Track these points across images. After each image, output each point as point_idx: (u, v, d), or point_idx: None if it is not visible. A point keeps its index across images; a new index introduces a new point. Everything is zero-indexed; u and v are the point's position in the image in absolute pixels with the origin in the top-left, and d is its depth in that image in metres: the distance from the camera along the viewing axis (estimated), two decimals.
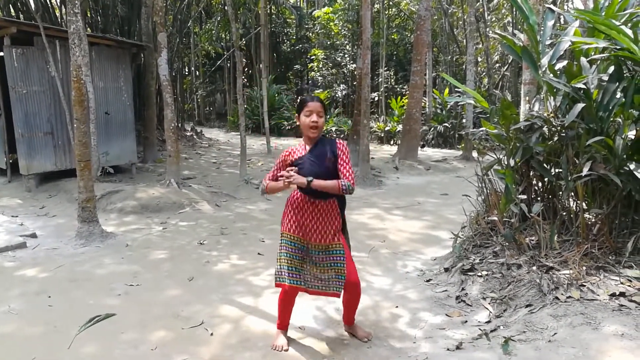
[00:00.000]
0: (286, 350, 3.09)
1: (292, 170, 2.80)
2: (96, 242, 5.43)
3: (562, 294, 3.17)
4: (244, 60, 19.69)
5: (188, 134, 16.11)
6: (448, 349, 3.00)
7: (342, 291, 3.00)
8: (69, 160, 8.39)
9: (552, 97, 3.86)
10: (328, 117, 18.34)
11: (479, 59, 19.65)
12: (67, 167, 8.41)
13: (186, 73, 23.55)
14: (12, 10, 11.45)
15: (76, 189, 5.70)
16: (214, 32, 21.55)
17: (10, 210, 6.89)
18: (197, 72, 23.83)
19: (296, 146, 3.07)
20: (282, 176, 2.76)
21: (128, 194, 7.25)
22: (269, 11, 20.85)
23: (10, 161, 8.63)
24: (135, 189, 7.53)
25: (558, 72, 3.80)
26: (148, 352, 3.10)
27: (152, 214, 6.80)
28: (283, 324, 3.22)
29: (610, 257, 3.42)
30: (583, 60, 3.69)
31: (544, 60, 3.79)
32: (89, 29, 11.39)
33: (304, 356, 3.01)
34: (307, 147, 3.00)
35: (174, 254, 5.13)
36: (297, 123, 3.01)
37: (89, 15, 12.15)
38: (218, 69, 23.76)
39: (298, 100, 2.97)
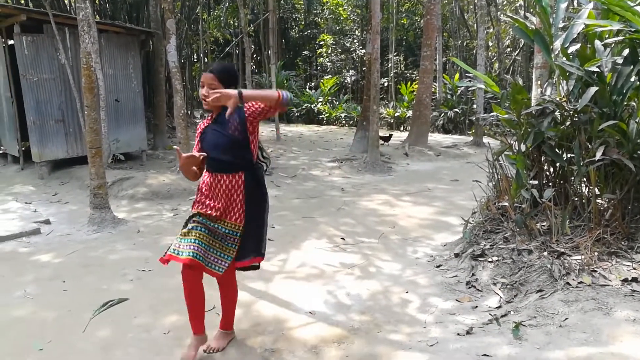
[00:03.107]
0: None
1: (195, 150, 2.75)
2: (108, 228, 5.49)
3: (573, 280, 3.16)
4: (252, 46, 19.57)
5: (197, 120, 16.15)
6: (458, 334, 3.01)
7: (222, 272, 2.70)
8: (80, 147, 8.45)
9: (564, 81, 3.80)
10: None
11: (490, 44, 19.40)
12: (78, 155, 8.48)
13: (195, 60, 23.47)
14: None
15: (87, 176, 5.75)
16: (222, 18, 21.44)
17: (24, 197, 6.99)
18: (206, 59, 23.70)
19: (207, 118, 2.84)
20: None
21: (139, 181, 7.30)
22: None
23: (23, 149, 8.72)
24: (145, 176, 7.58)
25: (571, 56, 3.74)
26: (161, 336, 3.15)
27: (163, 200, 6.85)
28: (192, 325, 2.89)
29: (622, 243, 3.39)
30: (597, 43, 3.63)
31: (557, 44, 3.73)
32: (97, 16, 11.38)
33: (314, 341, 3.04)
34: (212, 118, 2.78)
35: None
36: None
37: (97, 2, 12.15)
38: (227, 55, 23.67)
39: None
